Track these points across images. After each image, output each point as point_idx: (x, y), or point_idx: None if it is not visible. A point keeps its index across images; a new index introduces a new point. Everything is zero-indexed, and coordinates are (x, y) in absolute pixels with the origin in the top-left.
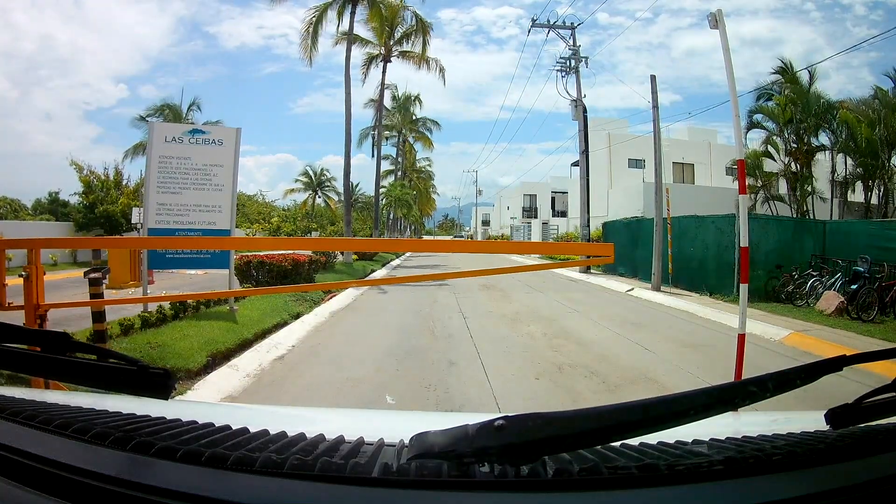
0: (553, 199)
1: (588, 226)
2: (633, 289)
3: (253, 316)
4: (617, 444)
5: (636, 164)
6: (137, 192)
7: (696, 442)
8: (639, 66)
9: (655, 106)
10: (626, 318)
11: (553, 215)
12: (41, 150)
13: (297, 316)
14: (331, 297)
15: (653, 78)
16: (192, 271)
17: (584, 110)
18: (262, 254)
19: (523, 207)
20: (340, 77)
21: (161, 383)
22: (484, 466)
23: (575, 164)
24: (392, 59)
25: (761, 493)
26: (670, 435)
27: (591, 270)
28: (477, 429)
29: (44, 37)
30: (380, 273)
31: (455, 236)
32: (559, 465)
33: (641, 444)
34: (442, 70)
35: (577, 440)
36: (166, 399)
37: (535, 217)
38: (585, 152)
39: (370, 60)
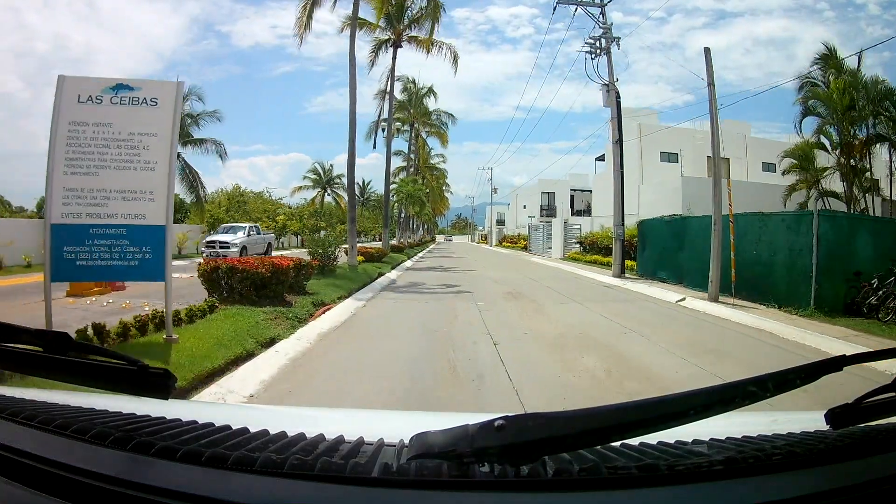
0: (572, 197)
1: (622, 224)
2: (683, 298)
3: (201, 347)
4: (617, 444)
5: (668, 157)
6: None
7: (696, 442)
8: (652, 66)
9: (711, 83)
10: (698, 341)
11: (572, 214)
12: None
13: (271, 342)
14: (324, 311)
15: (707, 50)
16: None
17: (618, 95)
18: (233, 258)
19: (541, 206)
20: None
21: (161, 383)
22: (484, 466)
23: (599, 158)
24: (402, 43)
25: (761, 493)
26: (670, 435)
27: (626, 275)
28: (477, 429)
29: (57, 36)
30: (390, 276)
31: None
32: (559, 465)
33: (641, 444)
34: (455, 57)
35: (577, 440)
36: (166, 399)
37: (554, 216)
38: (619, 142)
39: (379, 46)
